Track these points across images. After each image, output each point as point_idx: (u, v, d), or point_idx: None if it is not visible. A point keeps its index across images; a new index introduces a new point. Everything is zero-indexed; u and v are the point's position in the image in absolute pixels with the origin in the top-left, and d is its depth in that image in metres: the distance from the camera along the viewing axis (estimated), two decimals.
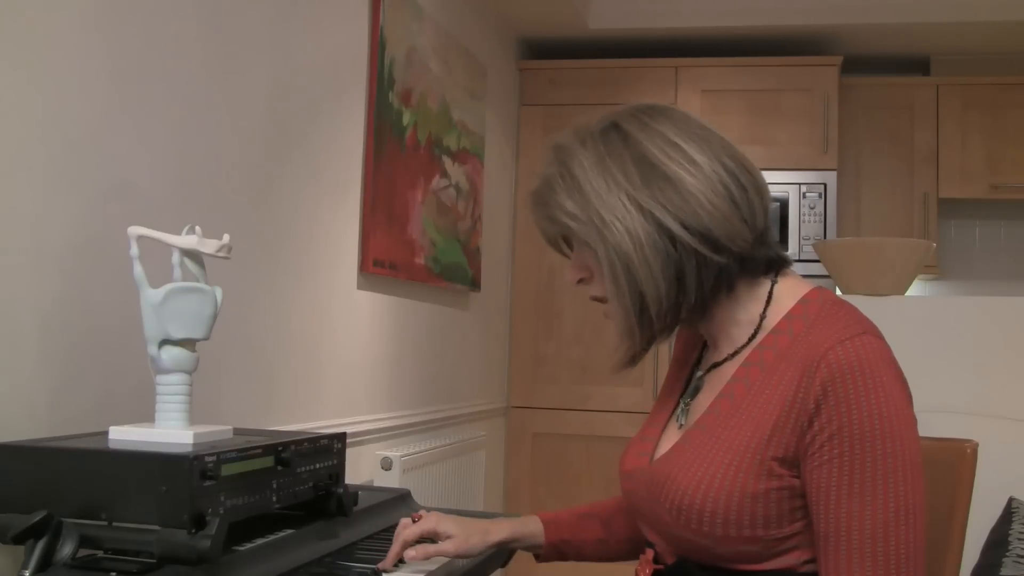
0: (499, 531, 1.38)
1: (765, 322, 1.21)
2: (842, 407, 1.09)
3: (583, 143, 1.22)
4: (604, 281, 1.20)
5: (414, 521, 1.38)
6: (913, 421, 1.12)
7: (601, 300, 1.24)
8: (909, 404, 1.13)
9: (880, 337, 1.15)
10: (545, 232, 1.30)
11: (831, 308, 1.18)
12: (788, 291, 1.23)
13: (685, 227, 1.15)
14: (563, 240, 1.29)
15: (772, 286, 1.23)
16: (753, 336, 1.22)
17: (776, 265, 1.24)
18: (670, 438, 1.28)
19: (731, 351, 1.24)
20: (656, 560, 1.27)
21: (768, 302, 1.22)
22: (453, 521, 1.36)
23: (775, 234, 1.26)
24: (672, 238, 1.16)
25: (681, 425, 1.27)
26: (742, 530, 1.13)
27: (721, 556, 1.16)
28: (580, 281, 1.27)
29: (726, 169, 1.18)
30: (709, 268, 1.17)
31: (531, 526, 1.43)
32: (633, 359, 1.29)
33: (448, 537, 1.34)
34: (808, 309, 1.19)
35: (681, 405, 1.30)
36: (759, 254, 1.21)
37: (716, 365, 1.26)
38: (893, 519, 1.08)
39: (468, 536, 1.34)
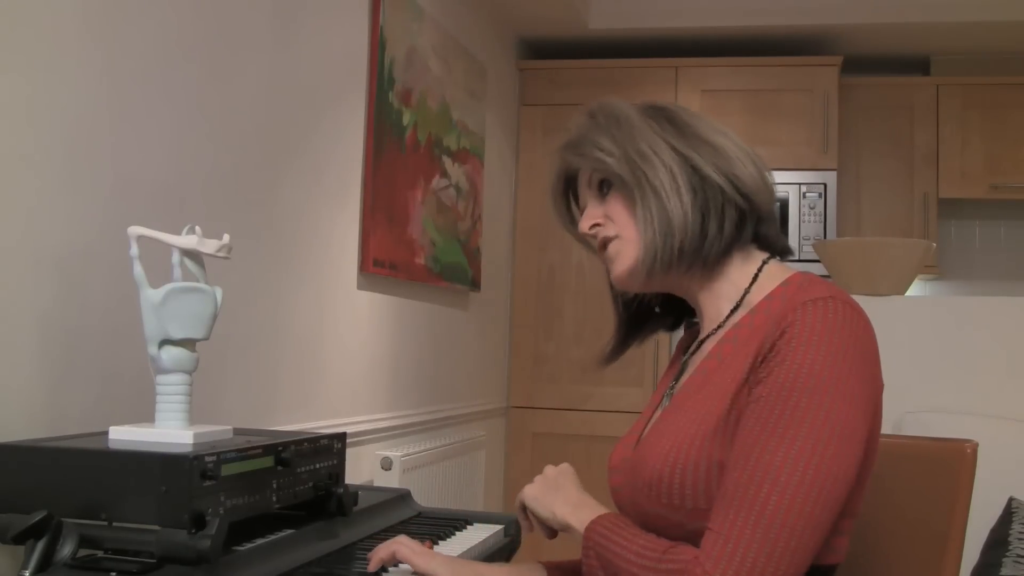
0: None
1: (747, 298, 1.23)
2: (780, 355, 1.09)
3: (624, 103, 1.29)
4: (631, 213, 1.23)
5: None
6: (861, 393, 1.09)
7: (605, 243, 1.27)
8: (862, 376, 1.09)
9: (852, 305, 1.13)
10: (564, 167, 1.32)
11: (807, 284, 1.19)
12: (775, 273, 1.25)
13: (717, 169, 1.21)
14: (569, 190, 1.34)
15: (763, 265, 1.26)
16: (733, 311, 1.24)
17: (778, 250, 1.28)
18: (652, 423, 1.29)
19: (712, 327, 1.26)
20: None
21: (755, 280, 1.25)
22: (444, 563, 1.29)
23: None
24: (703, 177, 1.21)
25: (664, 409, 1.28)
26: (710, 502, 1.12)
27: (695, 532, 1.14)
28: (595, 226, 1.29)
29: (750, 153, 1.26)
30: (732, 210, 1.22)
31: (534, 572, 1.36)
32: (612, 354, 1.35)
33: None
34: (787, 290, 1.20)
35: (669, 389, 1.31)
36: (772, 227, 1.27)
37: (700, 345, 1.29)
38: (778, 466, 1.05)
39: None
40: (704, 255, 1.22)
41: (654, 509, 1.18)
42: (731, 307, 1.25)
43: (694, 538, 1.15)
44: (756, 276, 1.25)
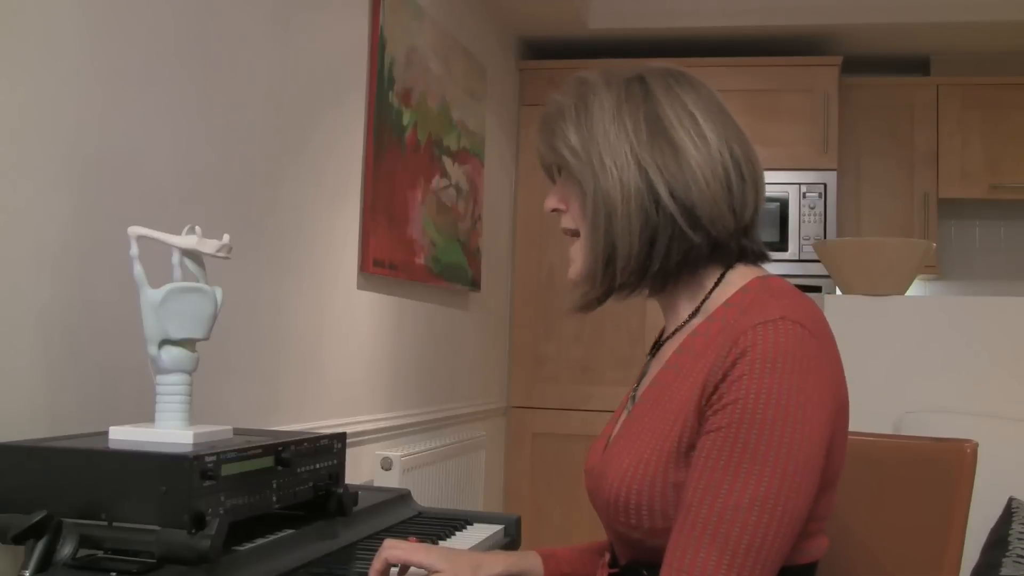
0: (492, 565, 1.29)
1: (706, 304, 1.20)
2: (735, 384, 1.06)
3: (607, 84, 1.23)
4: (583, 221, 1.20)
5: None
6: (817, 417, 1.07)
7: (570, 234, 1.25)
8: (818, 400, 1.07)
9: (803, 326, 1.09)
10: (542, 158, 1.29)
11: (763, 295, 1.15)
12: (738, 278, 1.21)
13: (672, 195, 1.16)
14: (557, 169, 1.28)
15: (726, 271, 1.21)
16: (692, 317, 1.21)
17: (754, 259, 1.23)
18: (617, 430, 1.27)
19: (672, 330, 1.24)
20: (613, 563, 1.25)
21: (716, 284, 1.21)
22: (440, 554, 1.26)
23: (759, 228, 1.25)
24: (657, 202, 1.16)
25: (628, 415, 1.26)
26: (668, 521, 1.11)
27: (655, 550, 1.13)
28: (555, 210, 1.27)
29: (732, 155, 1.19)
30: (681, 242, 1.17)
31: (529, 561, 1.35)
32: (587, 306, 1.29)
33: (436, 572, 1.24)
34: (745, 297, 1.17)
35: (632, 392, 1.29)
36: (734, 244, 1.20)
37: (659, 347, 1.26)
38: (747, 506, 1.03)
39: (457, 571, 1.25)
40: (648, 278, 1.20)
41: (614, 527, 1.18)
42: (690, 312, 1.22)
43: (655, 553, 1.13)
44: (718, 281, 1.21)
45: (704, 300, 1.20)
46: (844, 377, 1.14)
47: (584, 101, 1.22)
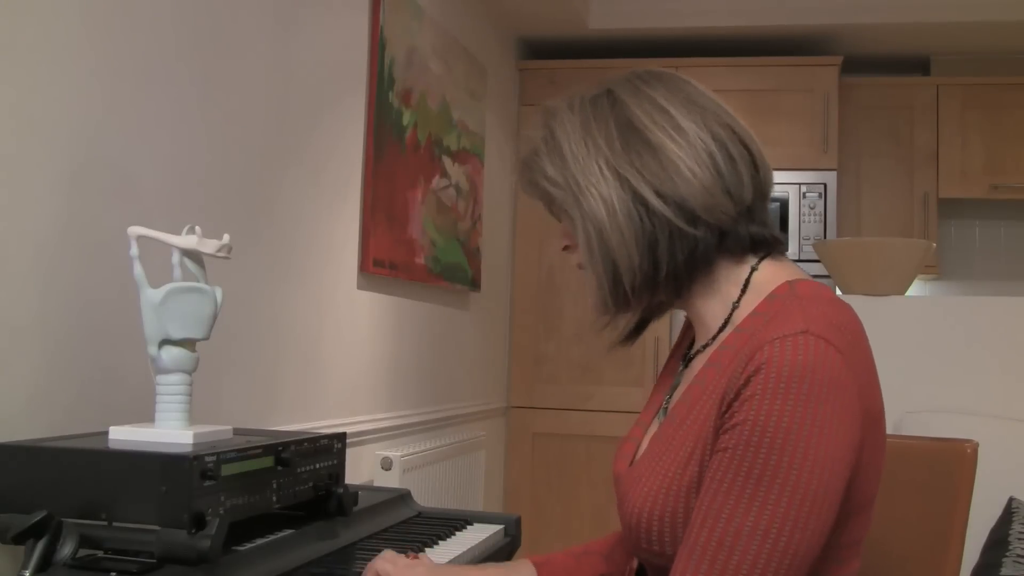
0: None
1: (736, 313, 1.14)
2: (746, 404, 1.00)
3: (571, 107, 1.20)
4: (580, 247, 1.16)
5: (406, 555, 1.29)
6: (836, 440, 0.99)
7: (580, 267, 1.20)
8: (838, 420, 1.00)
9: (827, 340, 1.01)
10: (538, 199, 1.25)
11: (790, 302, 1.08)
12: (766, 281, 1.14)
13: (659, 195, 1.10)
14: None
15: (751, 272, 1.15)
16: (723, 328, 1.15)
17: (766, 245, 1.16)
18: (647, 440, 1.22)
19: (704, 342, 1.18)
20: (641, 572, 1.23)
21: (744, 291, 1.14)
22: (423, 574, 1.24)
23: (768, 213, 1.18)
24: (647, 206, 1.10)
25: (660, 425, 1.21)
26: None
27: None
28: (565, 248, 1.22)
29: (715, 138, 1.13)
30: (683, 240, 1.11)
31: (522, 572, 1.32)
32: (626, 339, 1.25)
33: None
34: (771, 305, 1.10)
35: (664, 402, 1.25)
36: (743, 230, 1.13)
37: (691, 359, 1.21)
38: (748, 533, 0.98)
39: None
40: (663, 287, 1.14)
41: (638, 552, 1.15)
42: (720, 323, 1.16)
43: None
44: (744, 288, 1.14)
45: (733, 310, 1.15)
46: (877, 386, 1.08)
47: (551, 130, 1.19)
